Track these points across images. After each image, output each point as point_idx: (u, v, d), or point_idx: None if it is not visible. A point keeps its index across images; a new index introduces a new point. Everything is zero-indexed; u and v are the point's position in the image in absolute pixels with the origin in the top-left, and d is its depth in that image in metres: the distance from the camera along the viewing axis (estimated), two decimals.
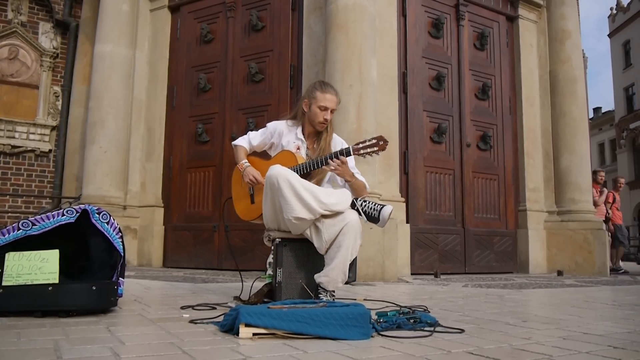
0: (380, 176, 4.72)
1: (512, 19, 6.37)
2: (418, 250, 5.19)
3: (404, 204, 5.08)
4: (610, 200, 7.42)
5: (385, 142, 2.38)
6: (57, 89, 6.93)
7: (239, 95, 5.48)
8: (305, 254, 2.39)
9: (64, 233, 2.24)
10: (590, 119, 24.75)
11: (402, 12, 5.40)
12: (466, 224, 5.60)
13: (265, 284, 2.50)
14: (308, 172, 2.44)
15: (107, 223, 2.26)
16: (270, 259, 2.53)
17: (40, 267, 2.01)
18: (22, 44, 6.80)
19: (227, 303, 2.45)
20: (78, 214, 2.22)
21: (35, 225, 2.15)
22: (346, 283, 2.47)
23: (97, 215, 2.25)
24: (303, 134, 2.66)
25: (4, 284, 1.97)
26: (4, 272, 1.99)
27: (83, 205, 2.27)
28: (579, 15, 6.58)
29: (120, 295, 2.28)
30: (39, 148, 6.73)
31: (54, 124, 6.84)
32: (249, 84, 5.43)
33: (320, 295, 2.26)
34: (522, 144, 6.15)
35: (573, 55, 6.27)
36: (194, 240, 5.51)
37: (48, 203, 6.67)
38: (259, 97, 5.36)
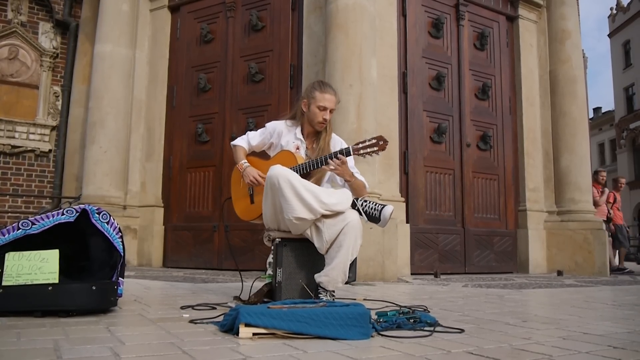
0: (380, 176, 4.72)
1: (512, 19, 6.37)
2: (418, 250, 5.19)
3: (404, 203, 5.08)
4: (611, 200, 7.41)
5: (385, 142, 2.38)
6: (57, 89, 6.93)
7: (239, 95, 5.48)
8: (305, 253, 2.39)
9: (64, 233, 2.24)
10: (590, 119, 24.76)
11: (402, 12, 5.40)
12: (466, 224, 5.60)
13: (265, 284, 2.50)
14: (308, 172, 2.44)
15: (107, 223, 2.26)
16: (270, 258, 2.53)
17: (40, 267, 2.01)
18: (22, 44, 6.80)
19: (227, 303, 2.45)
20: (78, 214, 2.22)
21: (35, 224, 2.15)
22: (346, 283, 2.47)
23: (97, 215, 2.25)
24: (302, 134, 2.66)
25: (4, 283, 1.97)
26: (4, 272, 1.99)
27: (83, 205, 2.27)
28: (579, 15, 6.58)
29: (120, 295, 2.28)
30: (39, 148, 6.73)
31: (54, 124, 6.84)
32: (249, 84, 5.43)
33: (320, 295, 2.26)
34: (522, 144, 6.15)
35: (573, 55, 6.27)
36: (194, 240, 5.51)
37: (48, 203, 6.67)
38: (259, 97, 5.36)
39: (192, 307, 2.29)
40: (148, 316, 2.05)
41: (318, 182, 2.50)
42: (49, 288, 1.95)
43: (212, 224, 5.40)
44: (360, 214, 2.39)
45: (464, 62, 5.84)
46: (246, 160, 2.64)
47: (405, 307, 2.23)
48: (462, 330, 1.80)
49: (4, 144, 6.53)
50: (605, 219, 7.00)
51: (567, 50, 6.27)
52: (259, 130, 2.77)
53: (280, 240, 2.39)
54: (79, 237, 2.31)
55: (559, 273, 5.59)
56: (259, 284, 2.63)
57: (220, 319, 1.84)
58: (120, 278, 2.27)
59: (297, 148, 2.61)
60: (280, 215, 2.31)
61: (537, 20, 6.48)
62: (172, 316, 2.06)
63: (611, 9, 28.30)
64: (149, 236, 5.65)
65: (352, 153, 2.39)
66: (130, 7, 5.84)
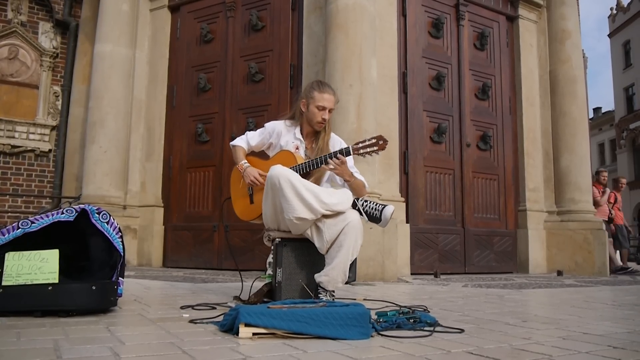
0: (380, 176, 4.73)
1: (512, 19, 6.37)
2: (418, 250, 5.19)
3: (404, 203, 5.08)
4: (612, 200, 7.41)
5: (385, 141, 2.38)
6: (57, 88, 6.93)
7: (239, 95, 5.48)
8: (305, 253, 2.39)
9: (64, 233, 2.24)
10: (590, 119, 24.75)
11: (402, 12, 5.40)
12: (466, 224, 5.60)
13: (265, 284, 2.50)
14: (307, 171, 2.44)
15: (107, 223, 2.26)
16: (270, 258, 2.53)
17: (40, 267, 2.01)
18: (22, 43, 6.80)
19: (226, 303, 2.45)
20: (77, 214, 2.22)
21: (35, 223, 2.15)
22: (346, 283, 2.47)
23: (97, 215, 2.25)
24: (301, 134, 2.65)
25: (3, 283, 1.97)
26: (3, 272, 1.99)
27: (83, 205, 2.27)
28: (579, 15, 6.58)
29: (120, 295, 2.27)
30: (38, 148, 6.73)
31: (54, 123, 6.84)
32: (249, 83, 5.43)
33: (320, 295, 2.26)
34: (522, 144, 6.15)
35: (573, 55, 6.28)
36: (194, 240, 5.51)
37: (48, 203, 6.68)
38: (258, 97, 5.36)
39: (192, 307, 2.29)
40: (148, 316, 2.05)
41: (317, 182, 2.50)
42: (49, 288, 1.95)
43: (212, 223, 5.40)
44: (361, 214, 2.39)
45: (464, 62, 5.84)
46: (246, 161, 2.64)
47: (405, 307, 2.23)
48: (462, 330, 1.80)
49: (4, 144, 6.53)
50: (606, 219, 7.00)
51: (567, 50, 6.27)
52: (258, 131, 2.76)
53: (280, 240, 2.39)
54: (79, 237, 2.31)
55: (559, 273, 5.59)
56: (258, 284, 2.63)
57: (220, 318, 1.84)
58: (120, 278, 2.27)
59: (297, 148, 2.61)
60: (280, 215, 2.31)
61: (537, 20, 6.48)
62: (172, 316, 2.06)
63: (611, 9, 28.31)
64: (149, 236, 5.65)
65: (351, 153, 2.39)
66: (130, 7, 5.84)
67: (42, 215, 2.19)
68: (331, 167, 2.38)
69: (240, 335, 1.59)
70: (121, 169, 5.69)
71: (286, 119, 2.74)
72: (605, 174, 7.58)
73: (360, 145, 2.39)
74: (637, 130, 25.24)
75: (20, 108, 6.72)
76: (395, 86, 5.14)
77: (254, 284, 2.66)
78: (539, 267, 5.97)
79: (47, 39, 6.97)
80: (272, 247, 2.46)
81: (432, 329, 1.80)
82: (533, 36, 6.41)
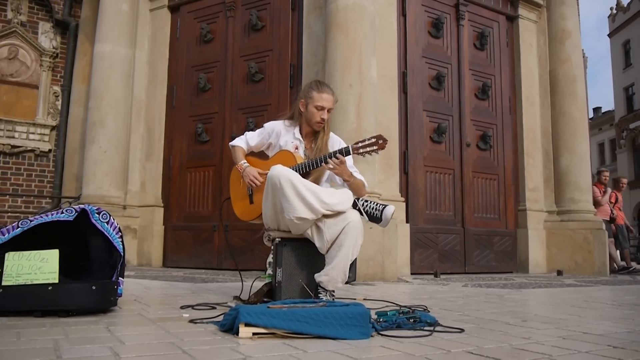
0: (380, 176, 4.73)
1: (512, 19, 6.37)
2: (418, 250, 5.19)
3: (404, 203, 5.08)
4: (613, 200, 7.41)
5: (385, 141, 2.38)
6: (57, 88, 6.93)
7: (239, 95, 5.48)
8: (305, 253, 2.39)
9: (64, 233, 2.24)
10: (590, 119, 24.75)
11: (402, 11, 5.40)
12: (466, 224, 5.60)
13: (265, 284, 2.50)
14: (307, 171, 2.44)
15: (107, 223, 2.26)
16: (270, 258, 2.53)
17: (40, 266, 2.01)
18: (22, 43, 6.80)
19: (226, 303, 2.45)
20: (77, 214, 2.22)
21: (33, 222, 2.15)
22: (346, 283, 2.47)
23: (97, 215, 2.25)
24: (301, 134, 2.65)
25: (3, 283, 1.97)
26: (3, 272, 1.99)
27: (83, 205, 2.27)
28: (579, 15, 6.58)
29: (120, 295, 2.28)
30: (38, 148, 6.73)
31: (54, 123, 6.84)
32: (249, 83, 5.43)
33: (320, 295, 2.26)
34: (522, 144, 6.15)
35: (573, 55, 6.27)
36: (194, 240, 5.51)
37: (48, 203, 6.67)
38: (258, 97, 5.36)
39: (192, 306, 2.29)
40: (148, 316, 2.05)
41: (317, 182, 2.50)
42: (49, 288, 1.95)
43: (211, 223, 5.40)
44: (362, 213, 2.39)
45: (464, 62, 5.84)
46: (245, 161, 2.64)
47: (405, 306, 2.23)
48: (462, 330, 1.80)
49: (3, 144, 6.52)
50: (608, 219, 7.00)
51: (567, 50, 6.27)
52: (257, 131, 2.77)
53: (280, 240, 2.39)
54: (79, 237, 2.31)
55: (559, 273, 5.59)
56: (258, 284, 2.63)
57: (220, 318, 1.84)
58: (120, 278, 2.27)
59: (296, 148, 2.61)
60: (280, 215, 2.31)
61: (537, 20, 6.48)
62: (172, 316, 2.06)
63: (611, 8, 28.31)
64: (149, 236, 5.65)
65: (351, 152, 2.39)
66: (130, 7, 5.84)
67: (42, 215, 2.19)
68: (330, 166, 2.38)
69: (240, 335, 1.59)
70: (121, 169, 5.69)
71: (285, 119, 2.74)
72: (607, 173, 7.58)
73: (360, 144, 2.39)
74: (637, 130, 25.25)
75: (20, 108, 6.72)
76: (395, 86, 5.14)
77: (254, 283, 2.67)
78: (539, 267, 5.97)
79: (47, 39, 6.97)
80: (272, 247, 2.46)
81: (432, 328, 1.80)
82: (533, 36, 6.41)
